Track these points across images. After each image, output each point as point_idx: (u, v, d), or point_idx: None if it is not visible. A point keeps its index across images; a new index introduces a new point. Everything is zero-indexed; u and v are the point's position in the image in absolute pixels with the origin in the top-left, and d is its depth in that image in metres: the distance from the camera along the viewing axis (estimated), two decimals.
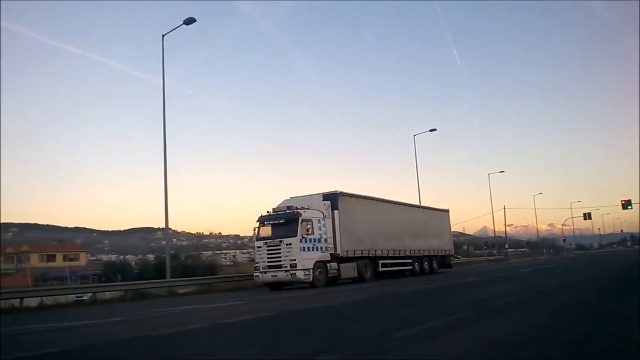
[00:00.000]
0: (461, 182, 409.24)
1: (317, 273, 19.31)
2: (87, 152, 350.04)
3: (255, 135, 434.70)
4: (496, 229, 70.52)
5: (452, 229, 34.22)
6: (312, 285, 19.12)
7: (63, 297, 18.09)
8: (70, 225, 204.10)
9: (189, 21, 21.94)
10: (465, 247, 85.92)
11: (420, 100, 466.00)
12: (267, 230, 20.39)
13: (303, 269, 18.79)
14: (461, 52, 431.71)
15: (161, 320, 10.28)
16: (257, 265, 20.02)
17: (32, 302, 17.09)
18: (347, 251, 20.91)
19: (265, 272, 19.58)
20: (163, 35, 22.56)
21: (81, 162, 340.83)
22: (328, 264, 20.06)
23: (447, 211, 31.73)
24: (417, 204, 28.37)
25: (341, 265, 20.59)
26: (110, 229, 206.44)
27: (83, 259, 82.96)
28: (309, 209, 20.16)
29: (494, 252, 63.64)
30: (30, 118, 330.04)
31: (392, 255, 24.03)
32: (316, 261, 19.42)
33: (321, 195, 21.28)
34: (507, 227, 74.25)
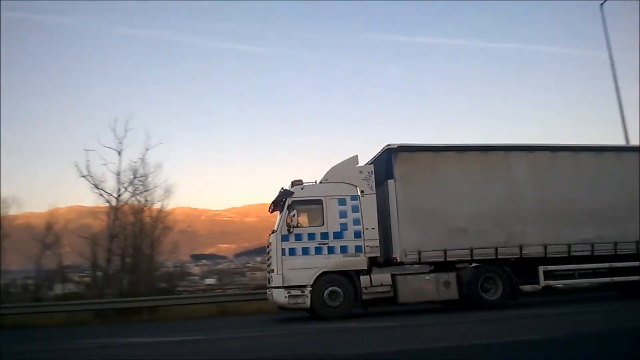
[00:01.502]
0: None
1: (325, 294, 11.67)
2: None
3: None
4: None
5: None
6: (311, 312, 11.96)
7: None
8: None
9: None
10: None
11: None
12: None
13: (285, 287, 11.58)
14: None
15: None
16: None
17: None
18: (419, 252, 12.01)
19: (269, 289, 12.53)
20: (601, 4, 21.79)
21: None
22: (361, 277, 11.94)
23: None
24: None
25: (399, 278, 12.03)
26: None
27: None
28: (322, 183, 12.49)
29: None
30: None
31: (576, 253, 12.69)
32: (324, 272, 11.72)
33: (356, 157, 12.78)
34: None
